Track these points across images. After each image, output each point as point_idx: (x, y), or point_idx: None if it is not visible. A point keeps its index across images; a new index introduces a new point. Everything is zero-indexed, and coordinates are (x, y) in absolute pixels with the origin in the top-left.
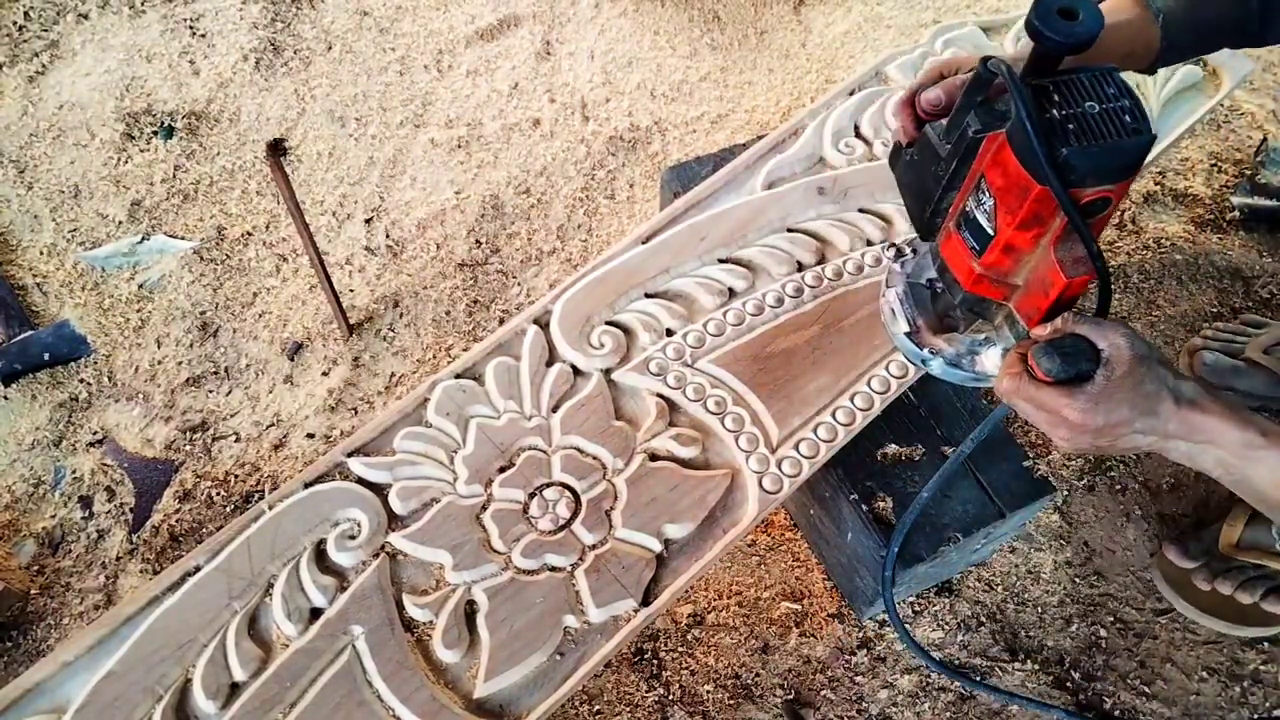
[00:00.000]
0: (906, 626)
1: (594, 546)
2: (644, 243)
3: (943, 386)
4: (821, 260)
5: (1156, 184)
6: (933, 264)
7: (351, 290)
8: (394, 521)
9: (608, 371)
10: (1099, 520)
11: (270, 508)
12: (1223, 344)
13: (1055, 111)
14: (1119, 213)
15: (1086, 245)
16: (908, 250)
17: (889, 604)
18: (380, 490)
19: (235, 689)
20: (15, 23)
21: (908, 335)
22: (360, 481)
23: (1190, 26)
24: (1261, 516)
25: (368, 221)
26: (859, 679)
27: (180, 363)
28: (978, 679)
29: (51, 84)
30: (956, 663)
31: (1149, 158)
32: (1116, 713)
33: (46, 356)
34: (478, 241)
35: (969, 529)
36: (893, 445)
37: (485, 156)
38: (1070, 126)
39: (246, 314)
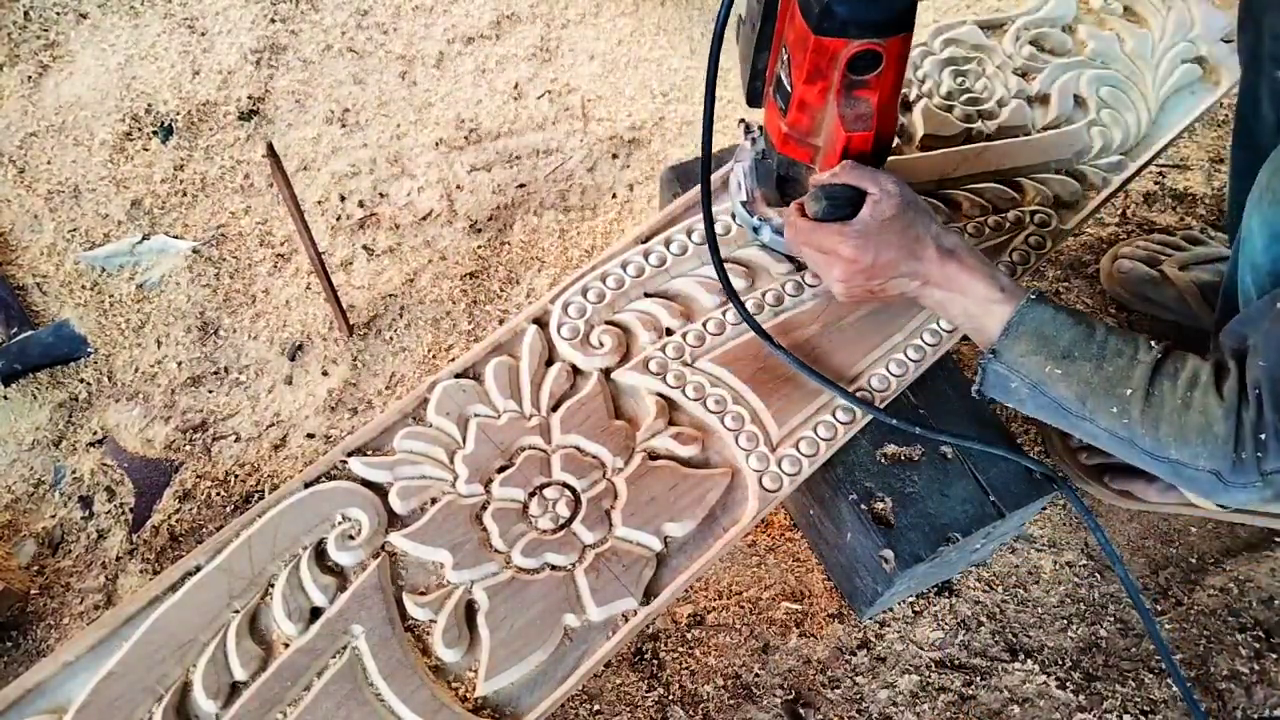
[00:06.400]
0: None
1: (594, 545)
2: (643, 242)
3: (943, 386)
4: None
5: (1156, 184)
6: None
7: (352, 290)
8: (394, 521)
9: (607, 371)
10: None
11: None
12: (1148, 254)
13: None
14: (1120, 209)
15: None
16: (755, 128)
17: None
18: (380, 490)
19: (236, 689)
20: (15, 23)
21: (744, 204)
22: (360, 481)
23: None
24: None
25: (367, 221)
26: (859, 679)
27: (180, 363)
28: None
29: (51, 84)
30: (956, 662)
31: (1149, 154)
32: None
33: (46, 357)
34: (478, 242)
35: (969, 529)
36: (892, 445)
37: (485, 156)
38: None
39: (246, 314)
